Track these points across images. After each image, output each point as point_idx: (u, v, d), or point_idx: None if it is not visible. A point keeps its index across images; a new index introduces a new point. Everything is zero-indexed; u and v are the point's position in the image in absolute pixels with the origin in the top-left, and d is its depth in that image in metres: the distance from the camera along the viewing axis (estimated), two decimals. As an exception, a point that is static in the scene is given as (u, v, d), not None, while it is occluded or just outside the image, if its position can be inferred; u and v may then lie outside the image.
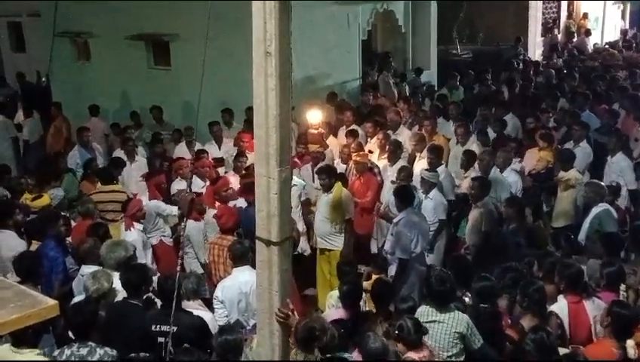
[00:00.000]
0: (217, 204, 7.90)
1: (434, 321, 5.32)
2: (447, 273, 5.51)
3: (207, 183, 8.68)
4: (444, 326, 5.29)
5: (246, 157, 9.11)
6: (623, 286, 5.87)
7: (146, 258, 7.39)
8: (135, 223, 7.67)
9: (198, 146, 10.42)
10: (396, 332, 5.01)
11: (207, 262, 7.35)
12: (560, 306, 5.55)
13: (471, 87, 14.02)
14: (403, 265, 7.33)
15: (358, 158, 8.95)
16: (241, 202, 8.05)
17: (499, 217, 7.78)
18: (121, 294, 5.90)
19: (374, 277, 6.70)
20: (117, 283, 5.95)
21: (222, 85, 11.16)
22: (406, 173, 8.30)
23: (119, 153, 10.26)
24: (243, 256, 6.23)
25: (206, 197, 8.19)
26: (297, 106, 9.63)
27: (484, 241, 7.47)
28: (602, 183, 7.93)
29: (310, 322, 4.69)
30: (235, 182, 8.54)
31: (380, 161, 9.38)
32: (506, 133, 10.39)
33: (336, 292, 6.36)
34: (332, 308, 6.22)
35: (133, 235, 7.44)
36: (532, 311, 5.40)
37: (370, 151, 9.63)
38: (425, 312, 5.42)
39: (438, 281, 5.38)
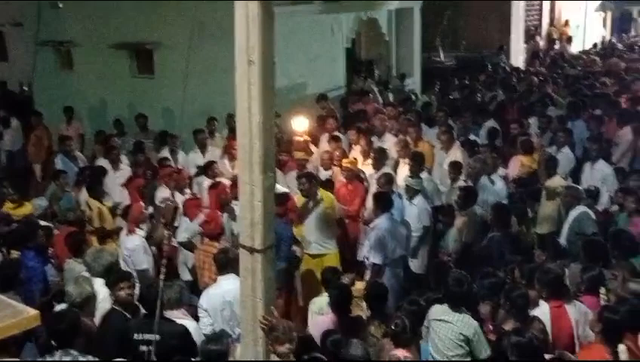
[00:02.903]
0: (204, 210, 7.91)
1: (442, 320, 5.39)
2: (465, 275, 5.54)
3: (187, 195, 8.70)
4: (451, 327, 5.35)
5: (233, 159, 9.15)
6: (602, 290, 5.92)
7: (147, 263, 7.35)
8: (136, 228, 7.59)
9: (181, 155, 10.41)
10: (392, 327, 5.06)
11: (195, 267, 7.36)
12: (542, 311, 5.57)
13: (445, 94, 14.11)
14: (377, 270, 7.35)
15: (347, 165, 8.96)
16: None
17: (484, 224, 7.81)
18: (105, 302, 5.88)
19: (358, 283, 6.71)
20: (100, 289, 5.97)
21: (205, 93, 11.17)
22: (385, 179, 8.32)
23: (102, 161, 10.19)
24: (228, 264, 6.21)
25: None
26: (282, 114, 9.64)
27: (465, 251, 7.49)
28: (580, 187, 8.00)
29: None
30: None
31: (363, 167, 9.40)
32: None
33: (319, 299, 6.37)
34: (315, 314, 6.21)
35: (135, 240, 7.39)
36: (514, 316, 5.43)
37: (355, 159, 9.64)
38: (436, 310, 5.50)
39: (455, 282, 5.44)
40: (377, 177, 8.51)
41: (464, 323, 5.35)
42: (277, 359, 4.53)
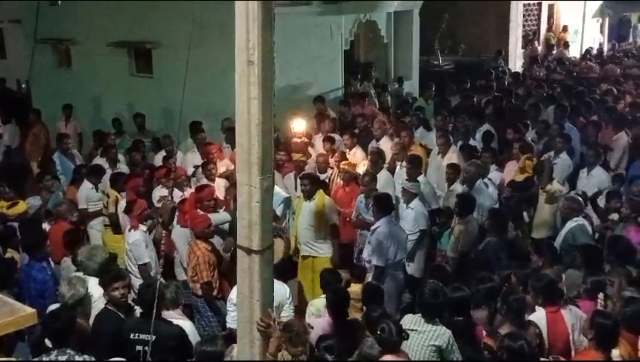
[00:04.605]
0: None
1: (414, 331, 5.33)
2: (441, 287, 5.51)
3: (186, 192, 8.67)
4: (423, 337, 5.31)
5: (214, 164, 9.13)
6: (600, 295, 5.93)
7: (149, 257, 7.35)
8: (139, 224, 7.58)
9: (179, 155, 10.39)
10: (378, 332, 5.04)
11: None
12: (538, 316, 5.58)
13: (442, 98, 14.12)
14: (379, 273, 7.33)
15: (345, 167, 8.95)
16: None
17: (481, 229, 7.80)
18: (100, 301, 5.86)
19: (353, 285, 6.70)
20: (95, 288, 5.95)
21: (205, 93, 11.14)
22: (369, 177, 8.32)
23: (99, 160, 10.18)
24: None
25: (188, 204, 8.16)
26: (280, 115, 9.62)
27: (461, 259, 7.48)
28: (579, 198, 7.97)
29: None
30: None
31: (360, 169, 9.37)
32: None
33: (317, 301, 6.37)
34: (312, 316, 6.20)
35: (136, 235, 7.41)
36: (510, 320, 5.43)
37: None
38: (409, 320, 5.44)
39: (430, 293, 5.40)
40: (362, 175, 8.51)
41: (437, 334, 5.31)
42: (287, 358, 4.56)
